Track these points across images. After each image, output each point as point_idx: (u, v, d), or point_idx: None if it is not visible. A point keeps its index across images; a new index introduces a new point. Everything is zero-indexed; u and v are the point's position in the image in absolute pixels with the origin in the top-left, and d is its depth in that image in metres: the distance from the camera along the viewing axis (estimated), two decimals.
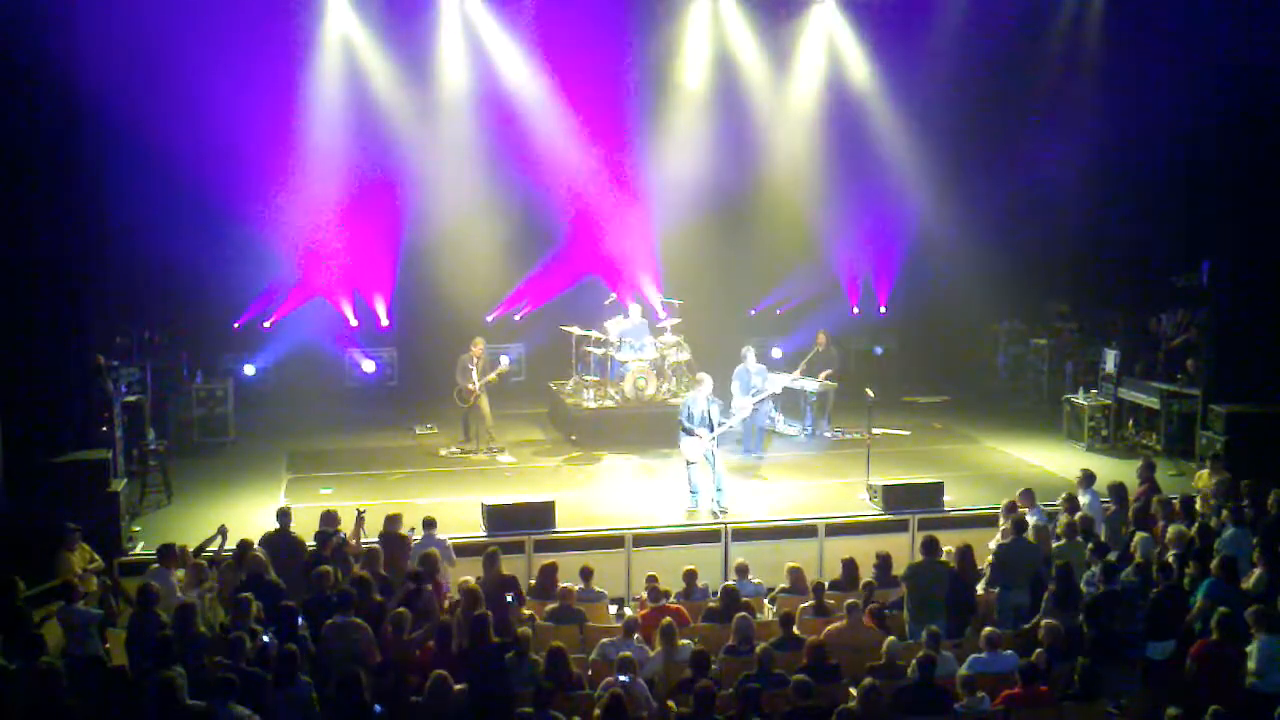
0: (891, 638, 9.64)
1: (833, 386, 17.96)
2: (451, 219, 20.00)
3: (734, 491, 14.54)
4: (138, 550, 12.87)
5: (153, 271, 18.07)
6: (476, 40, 19.47)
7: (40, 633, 9.43)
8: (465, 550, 12.29)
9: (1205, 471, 14.26)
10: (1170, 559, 11.17)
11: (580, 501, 14.63)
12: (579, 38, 19.15)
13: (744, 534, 13.55)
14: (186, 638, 9.25)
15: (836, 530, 13.66)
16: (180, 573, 10.68)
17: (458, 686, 8.70)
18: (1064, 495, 12.70)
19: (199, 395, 17.71)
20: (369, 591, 10.23)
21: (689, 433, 14.08)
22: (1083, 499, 12.68)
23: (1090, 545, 11.40)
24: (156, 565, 10.81)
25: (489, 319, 20.70)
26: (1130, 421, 17.92)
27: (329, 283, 20.06)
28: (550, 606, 10.79)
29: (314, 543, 11.40)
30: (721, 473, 14.29)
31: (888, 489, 14.05)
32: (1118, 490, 12.98)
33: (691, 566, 11.66)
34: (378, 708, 8.54)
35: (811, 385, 17.81)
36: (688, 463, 14.15)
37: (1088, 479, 13.06)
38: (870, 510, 14.17)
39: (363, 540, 11.79)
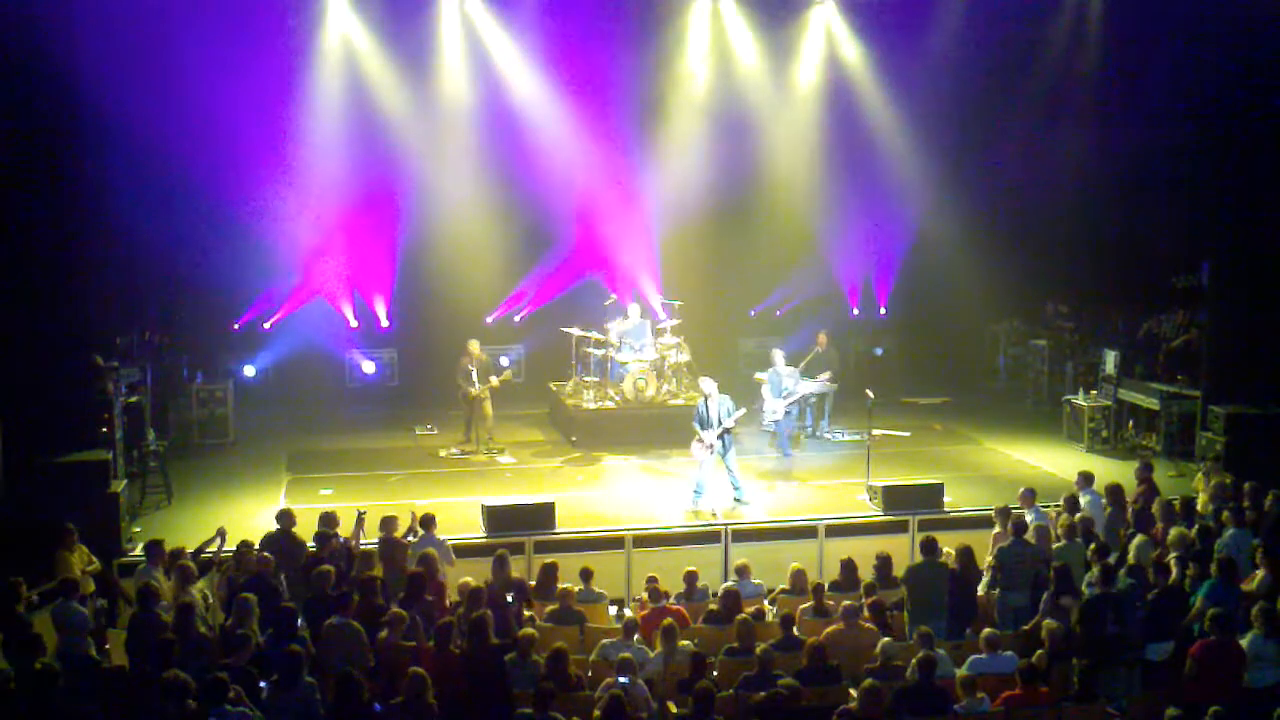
0: (886, 638, 9.65)
1: (833, 387, 17.98)
2: (451, 220, 19.98)
3: (750, 489, 14.61)
4: (138, 551, 12.85)
5: (153, 272, 18.07)
6: (476, 41, 19.47)
7: (39, 633, 9.43)
8: (465, 551, 12.31)
9: (1200, 476, 14.27)
10: (1171, 561, 11.16)
11: (580, 502, 14.62)
12: (579, 39, 19.16)
13: (744, 535, 13.56)
14: (187, 638, 9.25)
15: (836, 531, 13.66)
16: (159, 572, 10.68)
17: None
18: (1065, 496, 12.70)
19: (199, 396, 17.72)
20: (368, 593, 10.24)
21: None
22: (1082, 500, 12.67)
23: (1091, 547, 11.40)
24: (144, 564, 10.84)
25: (489, 320, 20.71)
26: (1130, 423, 17.91)
27: (329, 284, 20.05)
28: (550, 607, 10.79)
29: (314, 544, 11.41)
30: (735, 470, 14.36)
31: (888, 490, 14.05)
32: (1114, 491, 12.98)
33: (692, 568, 11.66)
34: (377, 706, 8.54)
35: (816, 387, 17.77)
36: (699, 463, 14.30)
37: (1086, 480, 13.06)
38: (870, 511, 14.17)
39: (362, 541, 11.78)
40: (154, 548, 10.92)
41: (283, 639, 9.27)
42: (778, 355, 16.98)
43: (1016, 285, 21.16)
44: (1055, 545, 11.64)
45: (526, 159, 19.77)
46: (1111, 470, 15.50)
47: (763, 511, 14.29)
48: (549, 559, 11.65)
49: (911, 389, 20.89)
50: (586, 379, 18.16)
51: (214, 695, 8.16)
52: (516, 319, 21.11)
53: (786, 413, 16.57)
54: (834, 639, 9.86)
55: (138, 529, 13.60)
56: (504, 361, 18.77)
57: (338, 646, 9.40)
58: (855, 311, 22.25)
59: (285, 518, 11.66)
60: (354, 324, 20.57)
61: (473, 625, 9.41)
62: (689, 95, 20.56)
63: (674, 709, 8.99)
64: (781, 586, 11.64)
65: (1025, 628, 10.52)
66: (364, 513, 12.00)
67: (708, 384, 14.44)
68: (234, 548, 11.18)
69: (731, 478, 14.38)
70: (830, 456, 17.06)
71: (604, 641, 9.98)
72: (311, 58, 18.83)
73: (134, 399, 15.27)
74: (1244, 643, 9.44)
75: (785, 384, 16.57)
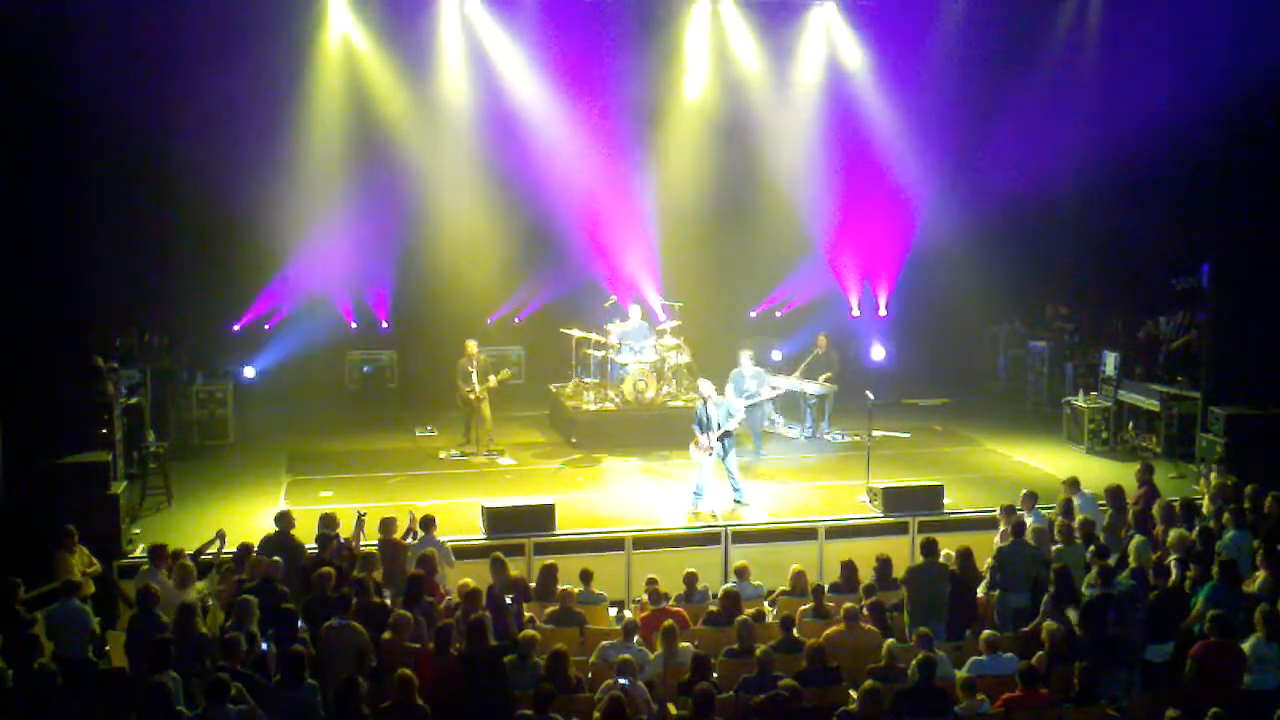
0: (890, 640, 9.64)
1: (833, 389, 17.98)
2: (451, 220, 19.98)
3: (750, 491, 14.60)
4: (138, 552, 12.85)
5: (153, 272, 18.06)
6: (477, 43, 19.44)
7: (37, 634, 9.43)
8: (465, 553, 12.30)
9: (1203, 479, 14.26)
10: (1171, 562, 11.16)
11: (580, 504, 14.62)
12: (580, 41, 19.16)
13: (744, 536, 13.56)
14: (187, 640, 9.25)
15: (836, 533, 13.66)
16: (163, 574, 10.66)
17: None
18: (1061, 499, 12.70)
19: (199, 397, 17.70)
20: (367, 594, 10.23)
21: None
22: (1076, 502, 12.64)
23: (1091, 548, 11.39)
24: (147, 566, 10.83)
25: (489, 321, 20.70)
26: (1130, 424, 17.91)
27: (329, 284, 20.02)
28: (550, 609, 10.79)
29: (314, 545, 11.40)
30: (735, 472, 14.36)
31: (888, 491, 14.06)
32: (1114, 493, 12.97)
33: (692, 569, 11.66)
34: None
35: (812, 388, 17.85)
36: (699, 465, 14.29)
37: (1074, 485, 12.97)
38: (870, 513, 14.17)
39: (362, 543, 11.78)
40: (157, 552, 10.88)
41: (284, 640, 9.26)
42: (744, 356, 17.04)
43: (1016, 286, 21.17)
44: (1054, 548, 11.63)
45: (526, 160, 19.74)
46: (1112, 472, 15.50)
47: (762, 513, 14.29)
48: (549, 560, 11.64)
49: (911, 390, 20.88)
50: (586, 380, 18.16)
51: (214, 695, 8.16)
52: (516, 320, 21.11)
53: (750, 412, 16.37)
54: (834, 640, 9.86)
55: (137, 530, 13.60)
56: (511, 357, 18.76)
57: (338, 648, 9.39)
58: (855, 313, 22.26)
59: (285, 519, 11.64)
60: (354, 325, 20.57)
61: (471, 627, 9.41)
62: (689, 96, 20.54)
63: (674, 711, 8.98)
64: (781, 588, 11.64)
65: (1025, 629, 10.52)
66: (364, 514, 12.01)
67: (706, 387, 14.44)
68: (233, 550, 11.18)
69: (731, 479, 14.39)
70: (830, 458, 17.06)
71: (604, 643, 9.98)
72: (311, 58, 18.81)
73: (134, 400, 15.29)
74: (1246, 646, 9.43)
75: (748, 385, 16.56)
